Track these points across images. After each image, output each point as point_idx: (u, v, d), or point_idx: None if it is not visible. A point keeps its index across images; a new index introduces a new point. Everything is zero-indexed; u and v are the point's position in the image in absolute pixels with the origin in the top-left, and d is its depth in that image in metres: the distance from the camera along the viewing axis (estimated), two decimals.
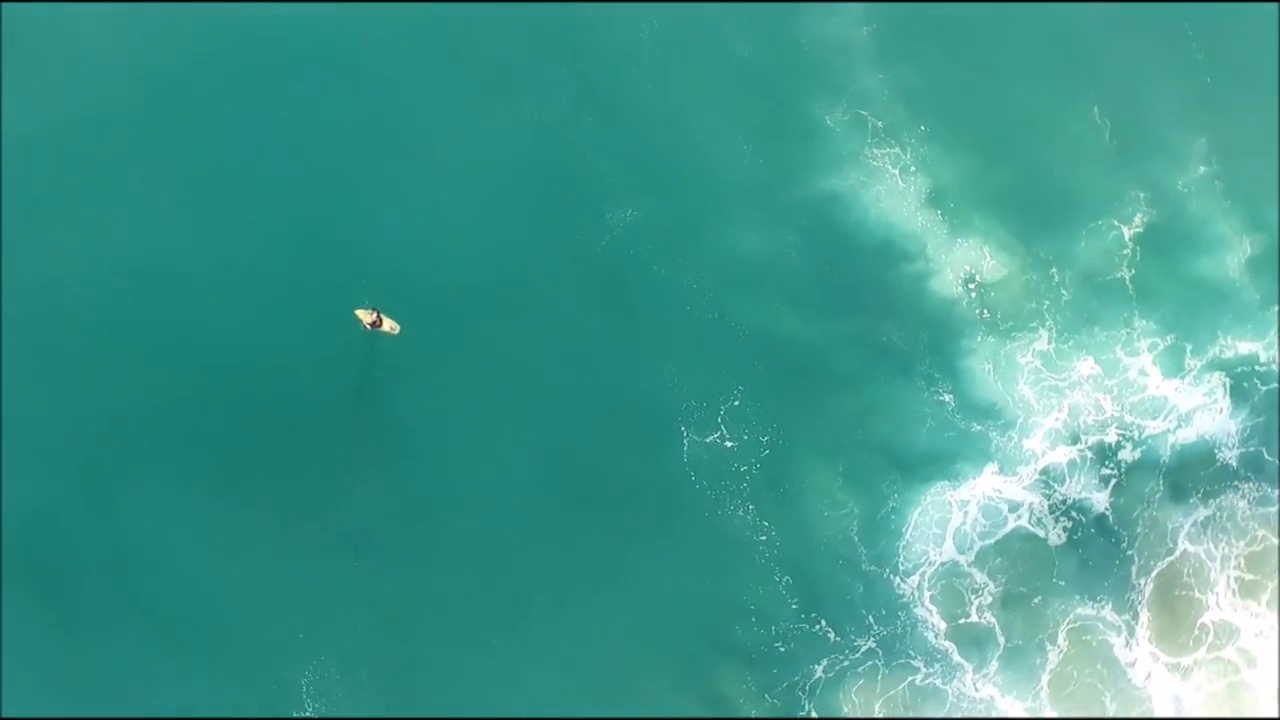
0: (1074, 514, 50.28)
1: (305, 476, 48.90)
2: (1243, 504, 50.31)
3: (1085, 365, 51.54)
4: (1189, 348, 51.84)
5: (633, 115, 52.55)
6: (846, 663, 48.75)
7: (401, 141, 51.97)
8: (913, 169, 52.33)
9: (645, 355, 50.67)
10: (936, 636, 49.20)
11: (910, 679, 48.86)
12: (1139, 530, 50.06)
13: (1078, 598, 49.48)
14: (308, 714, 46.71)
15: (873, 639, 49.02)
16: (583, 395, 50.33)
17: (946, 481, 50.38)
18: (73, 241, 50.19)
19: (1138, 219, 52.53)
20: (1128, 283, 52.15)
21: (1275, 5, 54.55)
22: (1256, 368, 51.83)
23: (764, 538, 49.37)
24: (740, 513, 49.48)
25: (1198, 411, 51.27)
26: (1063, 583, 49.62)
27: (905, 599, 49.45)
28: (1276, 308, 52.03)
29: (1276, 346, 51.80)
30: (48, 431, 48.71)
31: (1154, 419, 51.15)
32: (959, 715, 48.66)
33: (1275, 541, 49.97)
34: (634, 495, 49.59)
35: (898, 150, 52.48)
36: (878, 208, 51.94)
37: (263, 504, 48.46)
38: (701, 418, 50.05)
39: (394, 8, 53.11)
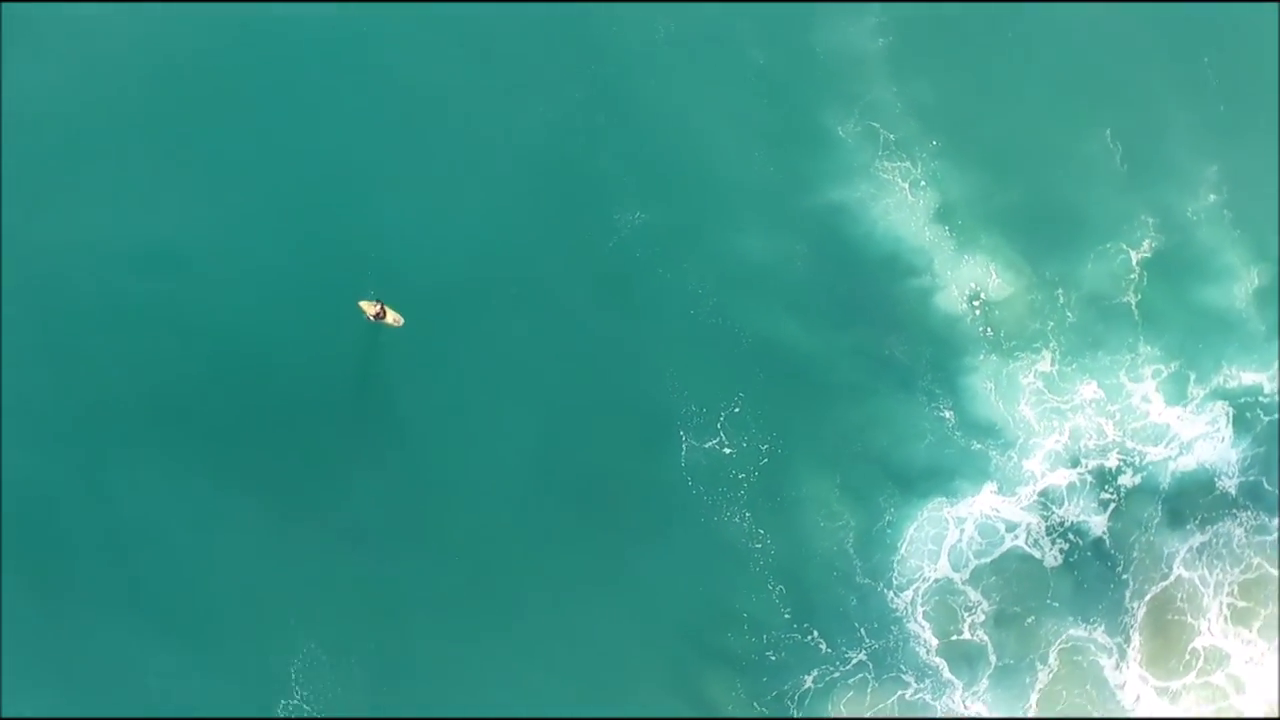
0: (1071, 536, 51.20)
1: (302, 466, 49.65)
2: (1239, 531, 51.28)
3: (1088, 389, 52.33)
4: (1192, 376, 52.61)
5: (645, 117, 53.17)
6: (837, 674, 49.67)
7: (412, 135, 52.60)
8: (923, 183, 53.01)
9: (647, 358, 51.45)
10: (928, 652, 50.14)
11: (900, 693, 49.78)
12: (1135, 554, 51.00)
13: (1071, 619, 50.43)
14: (294, 700, 47.60)
15: (864, 652, 49.93)
16: (583, 395, 51.11)
17: (944, 498, 51.28)
18: (78, 224, 50.85)
19: (1146, 244, 53.20)
20: (1133, 308, 52.89)
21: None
22: (1260, 399, 52.61)
23: (759, 545, 50.22)
24: (736, 519, 50.31)
25: (1199, 440, 52.08)
26: (1056, 604, 50.55)
27: (898, 613, 50.34)
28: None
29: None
30: (47, 413, 49.45)
31: (1155, 445, 52.00)
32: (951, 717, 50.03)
33: (1270, 570, 50.89)
34: (630, 497, 50.41)
35: (908, 164, 53.14)
36: (886, 220, 52.64)
37: (258, 491, 49.23)
38: (701, 423, 50.86)
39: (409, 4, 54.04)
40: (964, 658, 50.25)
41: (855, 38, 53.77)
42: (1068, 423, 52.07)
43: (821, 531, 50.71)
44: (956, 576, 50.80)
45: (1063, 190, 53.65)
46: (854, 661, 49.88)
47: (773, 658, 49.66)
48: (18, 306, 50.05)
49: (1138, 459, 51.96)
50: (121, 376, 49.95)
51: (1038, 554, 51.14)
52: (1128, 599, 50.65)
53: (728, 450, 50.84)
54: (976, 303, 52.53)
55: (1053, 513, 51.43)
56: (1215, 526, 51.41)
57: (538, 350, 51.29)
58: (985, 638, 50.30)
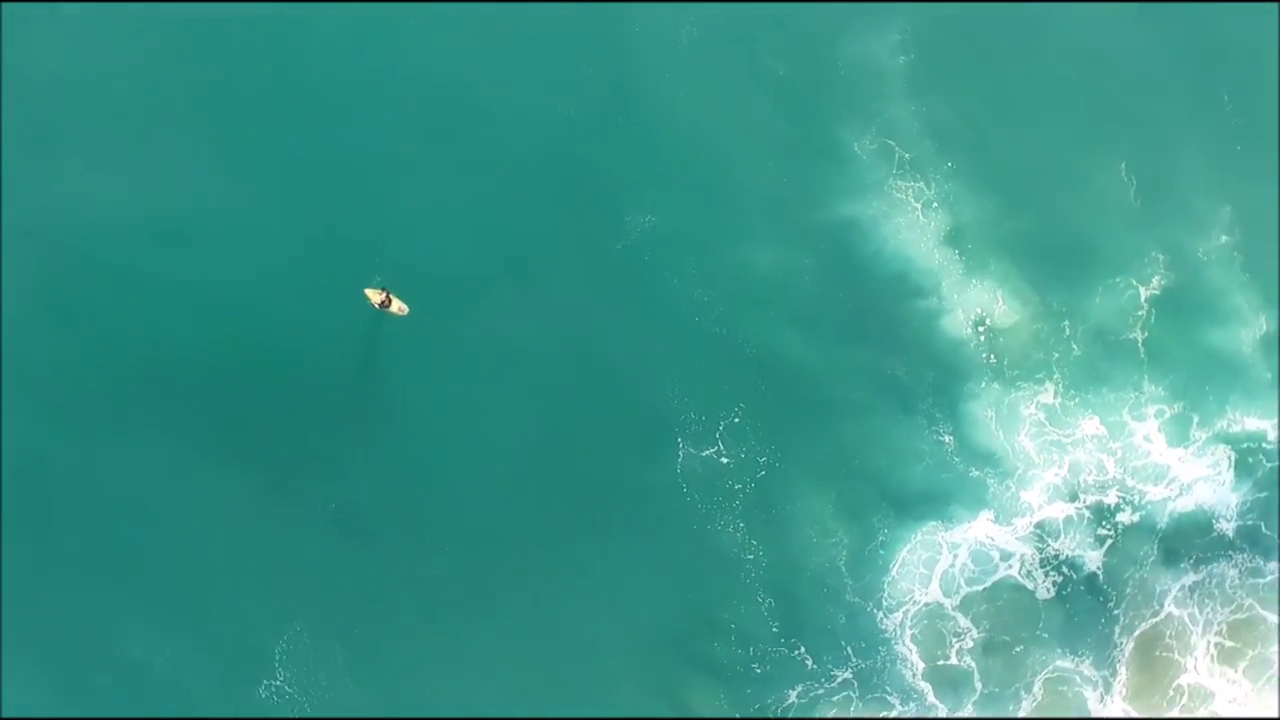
0: (1065, 570, 52.26)
1: (298, 447, 50.81)
2: (1233, 572, 52.34)
3: (1090, 424, 53.37)
4: (1196, 419, 53.62)
5: (662, 120, 54.32)
6: (821, 691, 50.76)
7: (430, 124, 53.88)
8: (935, 205, 54.13)
9: (649, 362, 52.62)
10: (914, 675, 51.22)
11: (884, 715, 50.83)
12: (1128, 591, 52.05)
13: (1059, 650, 51.51)
14: (277, 682, 48.61)
15: (850, 670, 51.02)
16: (582, 396, 52.30)
17: (939, 522, 52.37)
18: (90, 191, 52.11)
19: (1155, 281, 54.21)
20: (1140, 345, 53.96)
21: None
22: (1263, 445, 53.60)
23: (751, 557, 51.29)
24: (730, 529, 51.40)
25: (1199, 482, 53.10)
26: (1046, 635, 51.64)
27: (886, 635, 51.41)
28: None
29: None
30: (45, 379, 50.67)
31: (1155, 485, 53.04)
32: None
33: (1261, 612, 51.89)
34: (623, 500, 51.55)
35: (922, 184, 54.28)
36: (896, 240, 53.76)
37: (253, 471, 50.41)
38: (699, 431, 52.01)
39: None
40: (950, 683, 51.31)
41: (877, 53, 54.98)
42: (1068, 456, 53.10)
43: (814, 547, 51.81)
44: (947, 602, 51.83)
45: (1075, 220, 54.70)
46: (839, 679, 50.94)
47: (758, 670, 50.72)
48: (23, 270, 51.32)
49: (1137, 498, 52.94)
50: (123, 347, 51.17)
51: (1030, 585, 52.17)
52: (1117, 634, 51.71)
53: (725, 460, 51.98)
54: (982, 328, 53.54)
55: (1048, 545, 52.46)
56: (1209, 567, 52.44)
57: (540, 348, 52.37)
58: (972, 664, 51.37)
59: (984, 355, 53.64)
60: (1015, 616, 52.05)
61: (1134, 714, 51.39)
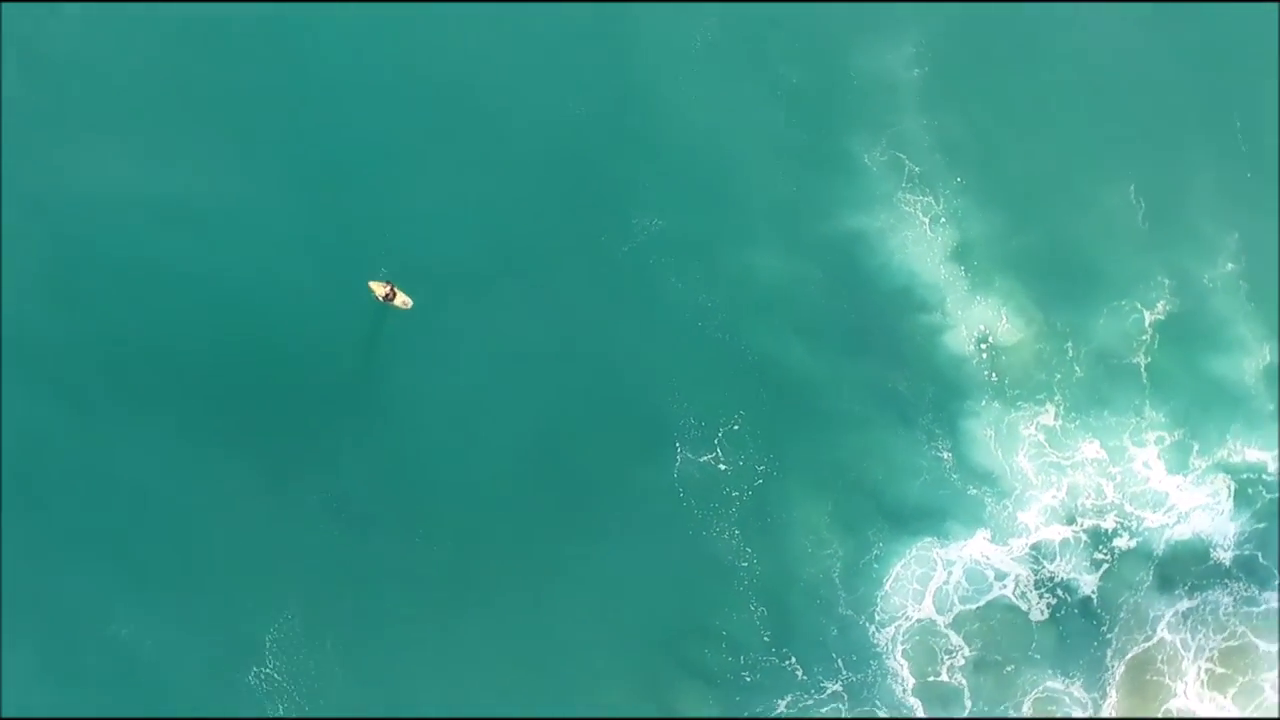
0: (1059, 592, 52.93)
1: (296, 437, 51.66)
2: (1227, 600, 52.98)
3: (1090, 448, 53.98)
4: (1196, 447, 54.14)
5: (673, 123, 54.93)
6: (810, 702, 51.51)
7: (441, 119, 54.62)
8: (943, 219, 54.70)
9: (650, 365, 53.34)
10: (904, 691, 51.96)
11: None
12: (1121, 615, 52.72)
13: (1050, 671, 52.21)
14: (266, 669, 49.35)
15: (840, 683, 51.78)
16: (582, 395, 53.07)
17: (934, 538, 53.05)
18: (97, 170, 52.91)
19: (1160, 305, 54.68)
20: (1142, 370, 54.45)
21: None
22: (1264, 476, 54.09)
23: (745, 564, 52.04)
24: (725, 536, 52.17)
25: (1198, 510, 53.66)
26: (1038, 655, 52.35)
27: (878, 648, 52.16)
28: None
29: None
30: (45, 356, 51.50)
31: (1153, 512, 53.64)
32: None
33: (1252, 639, 52.55)
34: (619, 501, 52.32)
35: (931, 199, 54.83)
36: (903, 253, 54.37)
37: (251, 457, 51.26)
38: (698, 436, 52.75)
39: None
40: (939, 699, 52.02)
41: (891, 65, 55.51)
42: (1066, 479, 53.76)
43: (809, 557, 52.52)
44: (940, 619, 52.55)
45: (1082, 241, 55.16)
46: (829, 691, 51.68)
47: (748, 678, 51.45)
48: (27, 249, 52.15)
49: (1134, 523, 53.57)
50: (124, 327, 51.96)
51: (1024, 606, 52.85)
52: (1109, 657, 52.39)
53: (723, 466, 52.73)
54: (984, 346, 54.14)
55: (1043, 567, 53.09)
56: (1204, 594, 53.07)
57: (541, 347, 53.11)
58: (963, 681, 52.08)
59: (986, 373, 54.22)
60: (1007, 636, 52.69)
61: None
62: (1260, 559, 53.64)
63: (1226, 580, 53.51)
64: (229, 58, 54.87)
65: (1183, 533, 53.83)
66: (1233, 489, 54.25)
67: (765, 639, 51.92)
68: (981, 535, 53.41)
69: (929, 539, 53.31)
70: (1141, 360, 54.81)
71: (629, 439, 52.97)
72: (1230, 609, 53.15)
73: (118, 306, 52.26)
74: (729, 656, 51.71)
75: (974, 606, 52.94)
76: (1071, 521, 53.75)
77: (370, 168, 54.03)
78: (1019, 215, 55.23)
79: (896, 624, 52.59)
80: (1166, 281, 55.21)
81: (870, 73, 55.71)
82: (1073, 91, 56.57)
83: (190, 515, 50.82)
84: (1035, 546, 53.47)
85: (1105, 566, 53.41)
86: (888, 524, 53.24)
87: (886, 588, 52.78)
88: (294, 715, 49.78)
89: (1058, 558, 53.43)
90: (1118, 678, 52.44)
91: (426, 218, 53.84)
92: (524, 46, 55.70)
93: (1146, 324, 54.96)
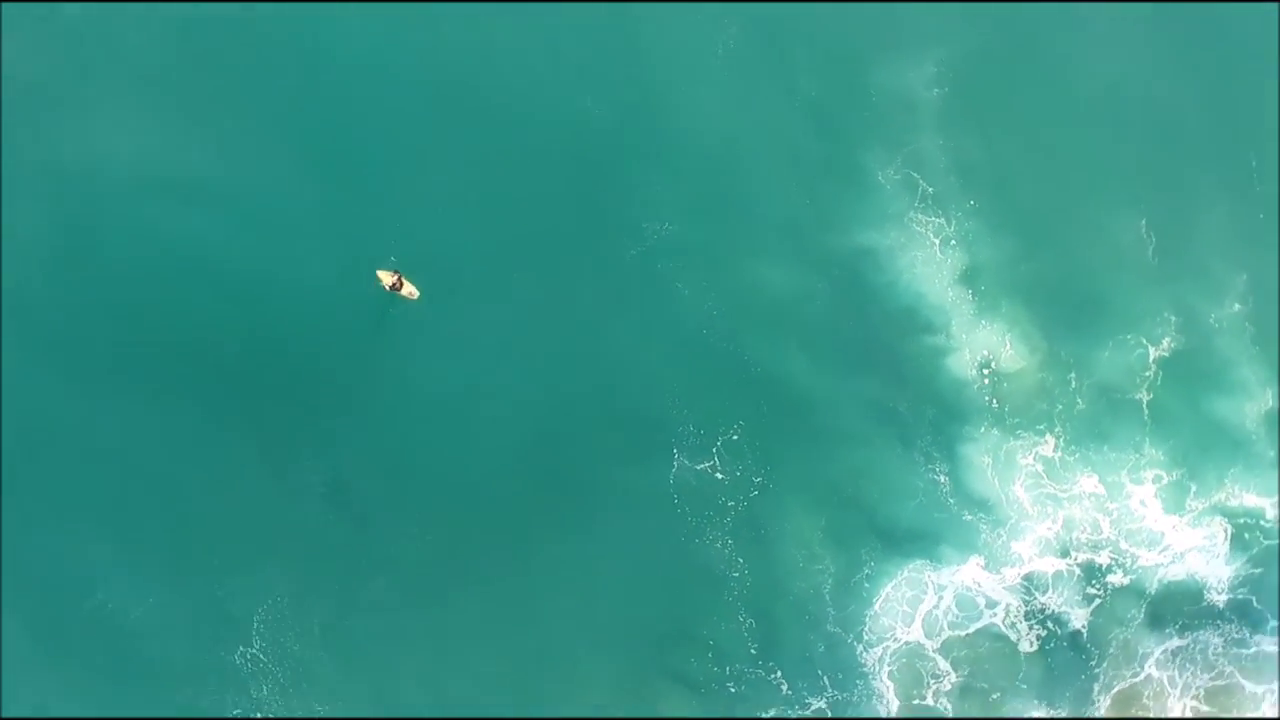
0: (1049, 624, 53.75)
1: (294, 419, 52.48)
2: (1217, 640, 53.82)
3: (1088, 482, 54.78)
4: (1194, 488, 54.90)
5: (690, 130, 55.69)
6: (794, 717, 52.27)
7: (457, 112, 55.39)
8: (953, 241, 55.40)
9: (652, 369, 54.07)
10: (888, 712, 52.68)
11: None
12: (1110, 650, 53.55)
13: (1036, 701, 53.00)
14: (252, 650, 50.11)
15: (824, 700, 52.53)
16: (582, 396, 53.85)
17: (927, 561, 53.82)
18: (112, 145, 53.78)
19: (1165, 342, 55.41)
20: (1144, 406, 55.17)
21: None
22: (1261, 522, 54.86)
23: (736, 574, 52.77)
24: (717, 545, 52.91)
25: (1193, 551, 54.44)
26: (1024, 685, 53.16)
27: (864, 668, 52.90)
28: None
29: None
30: (49, 325, 52.32)
31: (1148, 550, 54.47)
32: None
33: (1240, 680, 53.51)
34: (613, 503, 53.07)
35: (942, 220, 55.56)
36: (911, 273, 55.11)
37: (248, 438, 52.08)
38: (696, 444, 53.51)
39: None
40: None
41: (911, 84, 56.28)
42: (1062, 511, 54.54)
43: (800, 572, 53.30)
44: (928, 643, 53.32)
45: (1091, 272, 55.87)
46: (812, 708, 52.43)
47: (732, 689, 52.20)
48: (34, 218, 52.94)
49: (1129, 561, 54.34)
50: (129, 300, 52.77)
51: (1013, 636, 53.62)
52: (1095, 691, 53.21)
53: (719, 475, 53.50)
54: (987, 371, 54.88)
55: (1035, 598, 53.82)
56: (1195, 633, 53.88)
57: (544, 345, 53.91)
58: (948, 706, 52.81)
59: (987, 398, 54.96)
60: (995, 664, 53.44)
61: None
62: (1254, 603, 54.42)
63: (1219, 621, 54.22)
64: (251, 43, 55.68)
65: (1177, 573, 54.53)
66: (1229, 532, 54.91)
67: (752, 650, 52.60)
68: (975, 562, 54.08)
69: (921, 561, 53.98)
70: (1144, 396, 55.45)
71: (627, 441, 53.68)
72: (1220, 649, 53.91)
73: (126, 284, 53.00)
74: (714, 666, 52.36)
75: (963, 633, 53.62)
76: (1065, 554, 54.44)
77: (386, 157, 54.82)
78: (1030, 242, 55.87)
79: (884, 645, 53.27)
80: (1173, 318, 55.91)
81: (890, 90, 56.40)
82: (1091, 122, 57.24)
83: (187, 492, 51.57)
84: (1028, 577, 54.13)
85: (1097, 601, 54.07)
86: (881, 544, 53.92)
87: (876, 608, 53.46)
88: (276, 698, 50.53)
89: (1050, 590, 54.10)
90: (1103, 711, 53.11)
91: (438, 209, 54.56)
92: (543, 47, 56.43)
93: (1151, 360, 55.63)
